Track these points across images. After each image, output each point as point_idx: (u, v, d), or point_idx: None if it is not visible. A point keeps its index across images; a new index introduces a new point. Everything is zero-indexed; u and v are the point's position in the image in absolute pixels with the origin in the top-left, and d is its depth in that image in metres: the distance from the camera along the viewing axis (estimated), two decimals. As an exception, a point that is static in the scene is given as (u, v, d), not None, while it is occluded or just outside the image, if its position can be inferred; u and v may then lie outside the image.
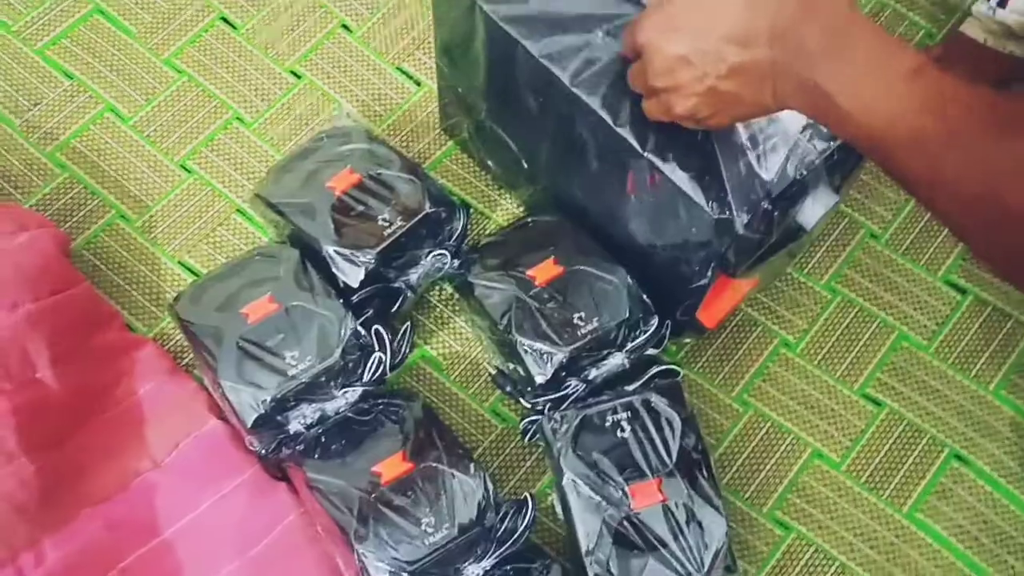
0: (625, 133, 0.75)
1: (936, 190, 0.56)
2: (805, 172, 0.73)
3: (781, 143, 0.73)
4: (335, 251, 0.87)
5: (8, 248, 0.83)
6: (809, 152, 0.73)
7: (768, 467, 0.93)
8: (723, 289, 0.85)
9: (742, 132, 0.73)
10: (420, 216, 0.89)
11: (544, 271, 0.88)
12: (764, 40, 0.59)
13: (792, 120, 0.73)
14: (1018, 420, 0.94)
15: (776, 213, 0.74)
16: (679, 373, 0.89)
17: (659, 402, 0.84)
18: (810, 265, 1.00)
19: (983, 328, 0.98)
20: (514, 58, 0.80)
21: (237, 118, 1.05)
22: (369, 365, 0.85)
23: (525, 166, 0.93)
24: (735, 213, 0.72)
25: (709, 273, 0.80)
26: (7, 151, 1.01)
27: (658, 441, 0.83)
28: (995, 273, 0.97)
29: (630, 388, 0.87)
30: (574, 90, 0.76)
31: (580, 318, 0.86)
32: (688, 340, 0.96)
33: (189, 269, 0.98)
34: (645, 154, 0.74)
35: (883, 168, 0.58)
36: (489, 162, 1.00)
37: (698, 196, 0.73)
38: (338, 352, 0.83)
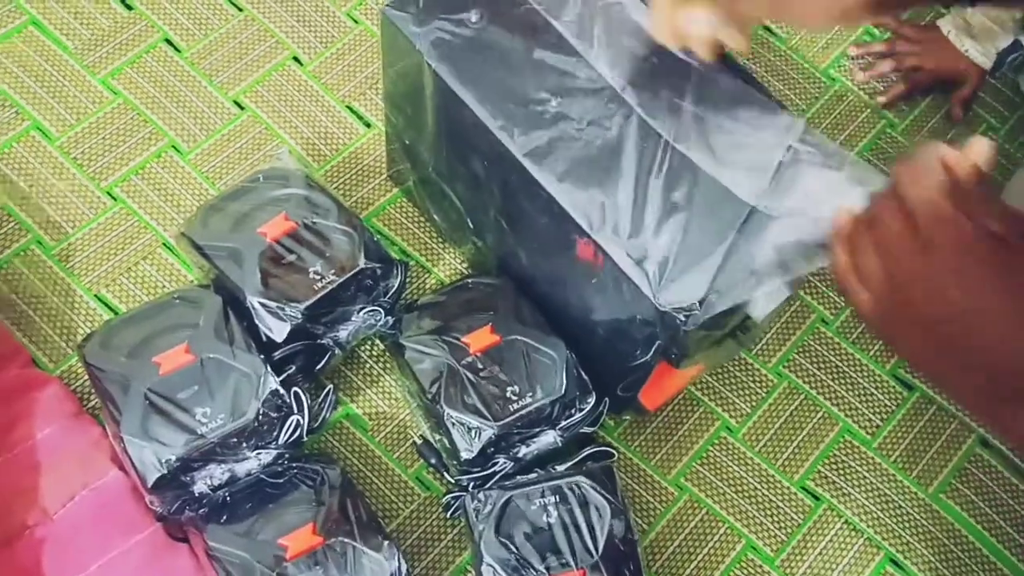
0: (574, 213, 0.71)
1: None
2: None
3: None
4: (260, 303, 0.81)
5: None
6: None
7: (700, 556, 0.89)
8: (666, 373, 0.81)
9: None
10: (354, 271, 0.84)
11: (479, 339, 0.84)
12: None
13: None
14: (956, 527, 0.91)
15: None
16: (613, 455, 0.85)
17: (589, 487, 0.80)
18: (758, 347, 0.97)
19: (928, 427, 0.95)
20: (462, 120, 0.76)
21: (173, 146, 0.99)
22: (286, 427, 0.79)
23: (470, 225, 0.89)
24: None
25: (651, 354, 0.76)
26: (-80, 163, 0.95)
27: (585, 529, 0.78)
28: None
29: (561, 468, 0.82)
30: (523, 161, 0.73)
31: (513, 392, 0.81)
32: (627, 418, 0.92)
33: (106, 304, 0.92)
34: (593, 235, 0.71)
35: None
36: (434, 215, 0.95)
37: (644, 286, 0.69)
38: (253, 411, 0.77)
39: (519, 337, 0.83)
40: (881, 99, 1.10)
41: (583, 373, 0.82)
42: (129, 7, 1.05)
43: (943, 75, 1.09)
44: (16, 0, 1.03)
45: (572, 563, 0.77)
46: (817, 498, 0.92)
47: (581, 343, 0.83)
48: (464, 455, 0.79)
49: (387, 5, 0.78)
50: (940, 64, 1.09)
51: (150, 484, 0.75)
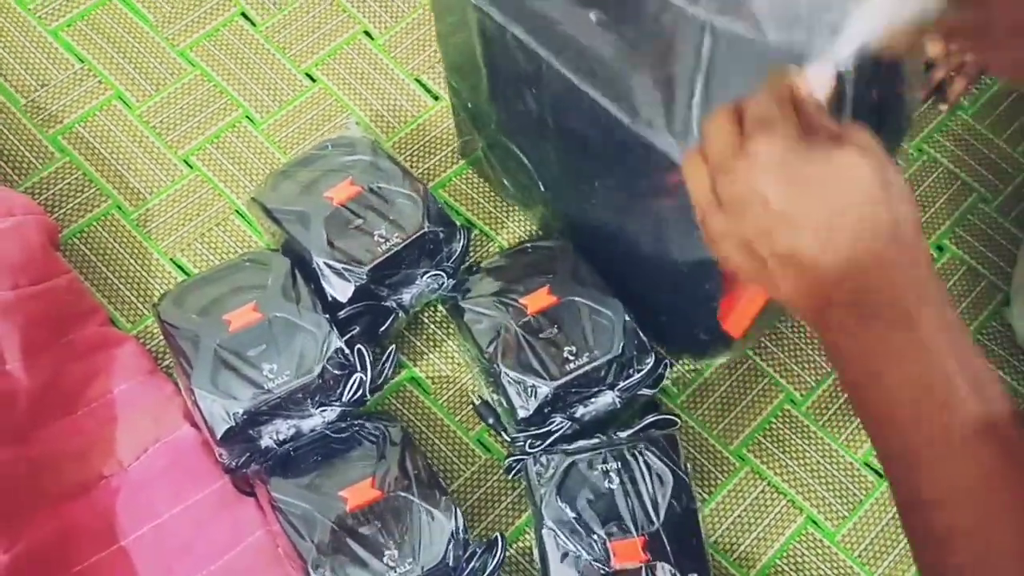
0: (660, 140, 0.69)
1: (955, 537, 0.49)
2: None
3: None
4: (326, 263, 0.83)
5: (-9, 232, 0.81)
6: None
7: (759, 529, 0.88)
8: (741, 294, 0.79)
9: None
10: (418, 235, 0.85)
11: (537, 300, 0.84)
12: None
13: None
14: None
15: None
16: (677, 423, 0.85)
17: (652, 455, 0.80)
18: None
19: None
20: (516, 59, 0.76)
21: (246, 117, 1.02)
22: (350, 385, 0.81)
23: (539, 182, 0.89)
24: None
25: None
26: (8, 130, 0.99)
27: (647, 497, 0.79)
28: None
29: (624, 435, 0.83)
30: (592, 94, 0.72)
31: (570, 352, 0.82)
32: (719, 359, 0.92)
33: (181, 268, 0.95)
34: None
35: (887, 465, 0.52)
36: (504, 180, 0.96)
37: None
38: (317, 369, 0.80)
39: (577, 298, 0.84)
40: (943, 106, 1.07)
41: (642, 333, 0.83)
42: (207, -18, 1.08)
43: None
44: (101, -24, 1.07)
45: (633, 530, 0.77)
46: (880, 475, 0.90)
47: (657, 295, 0.82)
48: (520, 413, 0.80)
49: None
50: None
51: (219, 436, 0.78)
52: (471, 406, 0.91)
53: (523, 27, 0.74)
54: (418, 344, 0.93)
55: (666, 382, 0.86)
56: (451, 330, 0.94)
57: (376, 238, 0.85)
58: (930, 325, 0.49)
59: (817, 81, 0.54)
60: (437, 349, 0.93)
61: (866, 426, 0.52)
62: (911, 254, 0.49)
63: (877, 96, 0.70)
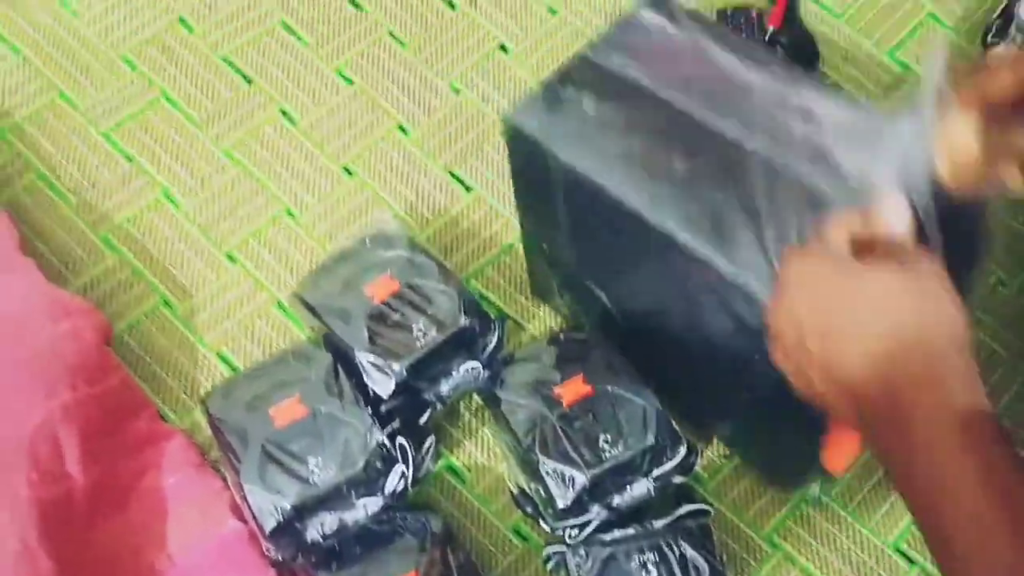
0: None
1: None
2: None
3: None
4: (368, 360, 0.87)
5: (51, 335, 0.85)
6: None
7: (793, 614, 0.90)
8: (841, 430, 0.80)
9: None
10: (455, 330, 0.88)
11: (572, 390, 0.87)
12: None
13: None
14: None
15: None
16: (710, 514, 0.87)
17: (687, 545, 0.82)
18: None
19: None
20: (593, 200, 0.78)
21: (286, 211, 1.06)
22: (391, 477, 0.84)
23: (618, 320, 0.90)
24: None
25: None
26: (62, 229, 1.04)
27: (684, 588, 0.81)
28: None
29: (659, 525, 0.84)
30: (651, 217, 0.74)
31: (606, 441, 0.84)
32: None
33: (225, 360, 0.99)
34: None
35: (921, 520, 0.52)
36: (582, 317, 0.98)
37: None
38: (361, 462, 0.82)
39: (610, 387, 0.87)
40: None
41: (673, 423, 0.85)
42: (249, 81, 1.13)
43: None
44: (149, 76, 1.12)
45: (671, 621, 0.79)
46: (912, 561, 0.92)
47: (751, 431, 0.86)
48: (560, 503, 0.82)
49: (512, 113, 0.81)
50: None
51: (268, 531, 0.80)
52: (507, 495, 0.93)
53: (608, 181, 0.76)
54: (454, 433, 0.96)
55: (697, 468, 0.89)
56: (486, 418, 0.96)
57: (415, 333, 0.88)
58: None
59: (892, 214, 0.56)
60: (472, 438, 0.96)
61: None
62: (950, 379, 0.51)
63: (960, 226, 0.71)
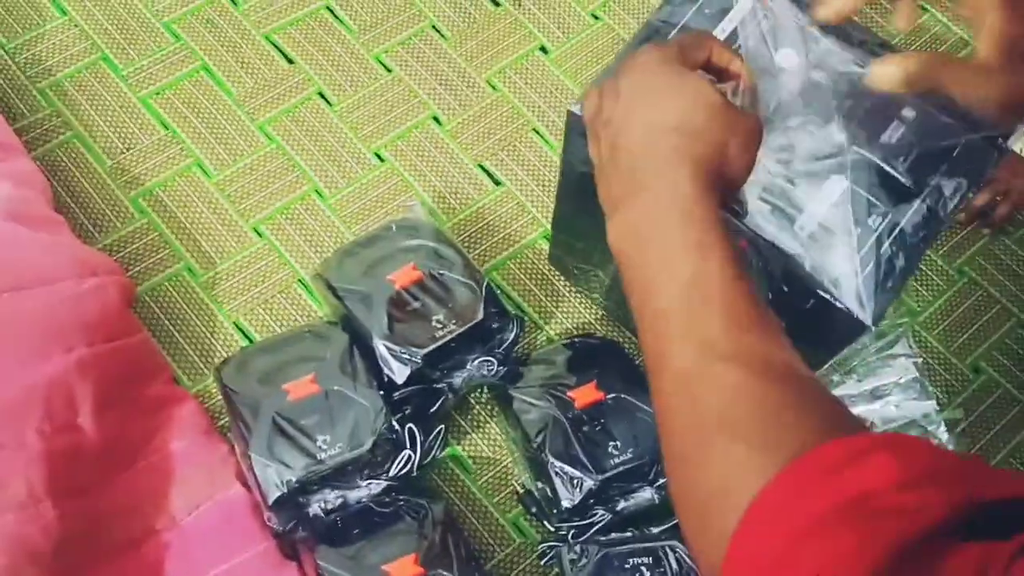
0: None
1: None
2: None
3: None
4: (385, 346, 0.87)
5: (76, 291, 0.86)
6: None
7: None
8: None
9: None
10: (474, 323, 0.89)
11: (585, 394, 0.88)
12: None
13: None
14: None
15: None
16: (706, 522, 0.87)
17: (683, 551, 0.83)
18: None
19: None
20: None
21: (316, 191, 1.07)
22: (398, 461, 0.85)
23: None
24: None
25: None
26: (94, 189, 1.05)
27: (676, 594, 0.81)
28: None
29: (656, 531, 0.85)
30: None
31: (614, 447, 0.85)
32: None
33: (243, 331, 1.00)
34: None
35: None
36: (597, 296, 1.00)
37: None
38: (369, 443, 0.83)
39: (622, 395, 0.87)
40: (986, 230, 1.10)
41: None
42: (290, 61, 1.14)
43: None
44: (191, 47, 1.13)
45: (660, 626, 0.80)
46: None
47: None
48: (565, 503, 0.83)
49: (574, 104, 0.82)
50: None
51: (271, 501, 0.81)
52: (510, 488, 0.94)
53: None
54: (463, 424, 0.97)
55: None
56: (495, 412, 0.97)
57: (434, 323, 0.89)
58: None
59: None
60: (480, 430, 0.97)
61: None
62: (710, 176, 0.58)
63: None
